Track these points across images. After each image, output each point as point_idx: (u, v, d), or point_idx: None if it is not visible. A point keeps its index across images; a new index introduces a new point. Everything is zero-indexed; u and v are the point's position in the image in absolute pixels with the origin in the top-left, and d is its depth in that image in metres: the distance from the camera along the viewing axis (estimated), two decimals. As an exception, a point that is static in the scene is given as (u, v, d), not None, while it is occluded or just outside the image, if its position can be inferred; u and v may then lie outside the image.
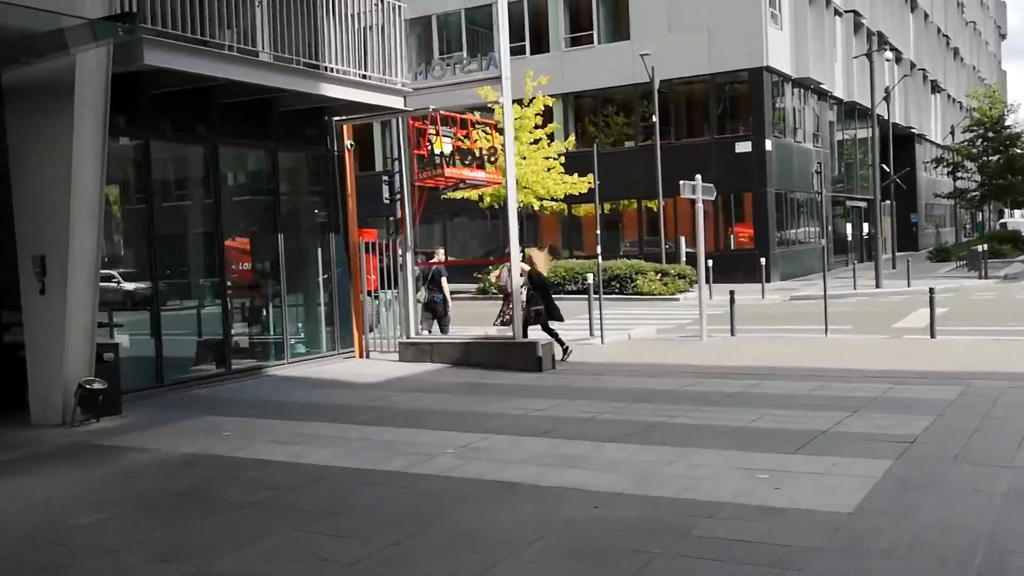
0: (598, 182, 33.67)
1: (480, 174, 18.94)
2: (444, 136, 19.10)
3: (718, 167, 34.60)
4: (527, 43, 38.53)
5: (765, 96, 34.22)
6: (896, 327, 18.27)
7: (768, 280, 33.20)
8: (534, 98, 32.30)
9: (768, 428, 8.48)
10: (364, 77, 13.77)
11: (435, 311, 16.27)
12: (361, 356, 15.16)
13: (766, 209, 34.38)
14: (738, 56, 34.09)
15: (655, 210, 34.70)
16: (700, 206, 17.02)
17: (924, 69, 57.22)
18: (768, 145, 34.10)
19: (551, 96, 34.53)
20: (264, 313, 14.20)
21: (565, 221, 38.58)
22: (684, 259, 32.61)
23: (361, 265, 15.20)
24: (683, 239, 33.45)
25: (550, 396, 10.84)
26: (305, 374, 13.30)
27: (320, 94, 13.02)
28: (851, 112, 45.43)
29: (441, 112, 18.31)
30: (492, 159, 16.41)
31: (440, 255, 17.44)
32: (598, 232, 17.61)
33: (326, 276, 14.81)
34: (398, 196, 19.28)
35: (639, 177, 35.06)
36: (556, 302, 15.43)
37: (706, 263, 29.90)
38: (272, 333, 14.01)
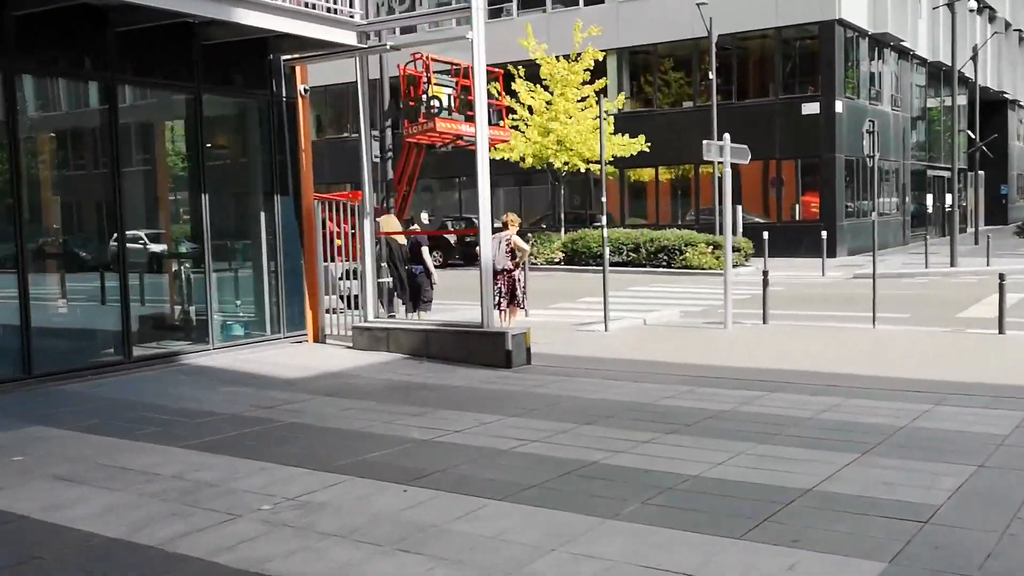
0: (649, 144, 31.16)
1: (482, 130, 16.62)
2: (441, 85, 16.81)
3: (783, 130, 31.60)
4: (580, -8, 35.72)
5: (836, 52, 30.91)
6: (961, 317, 15.37)
7: (833, 255, 30.21)
8: (580, 53, 29.61)
9: (732, 481, 6.00)
10: (309, 6, 11.46)
11: (414, 287, 13.98)
12: (316, 340, 12.99)
13: (834, 177, 31.19)
14: (808, 7, 30.84)
15: (714, 176, 31.80)
16: (728, 170, 14.35)
17: (1020, 29, 52.54)
18: (839, 107, 30.85)
19: (605, 51, 31.79)
20: (185, 289, 12.11)
21: (617, 186, 35.86)
22: (741, 230, 29.72)
23: (317, 233, 12.98)
24: (740, 208, 30.50)
25: (491, 408, 8.49)
26: (226, 364, 11.16)
27: (242, 23, 10.75)
28: (937, 75, 41.55)
29: (432, 57, 16.01)
30: (504, 116, 13.96)
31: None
32: (603, 199, 15.02)
33: (270, 245, 12.63)
34: (389, 155, 17.07)
35: (698, 140, 31.99)
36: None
37: (764, 235, 27.36)
38: (195, 313, 11.91)
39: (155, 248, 11.96)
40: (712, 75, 29.68)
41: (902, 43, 35.66)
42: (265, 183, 12.64)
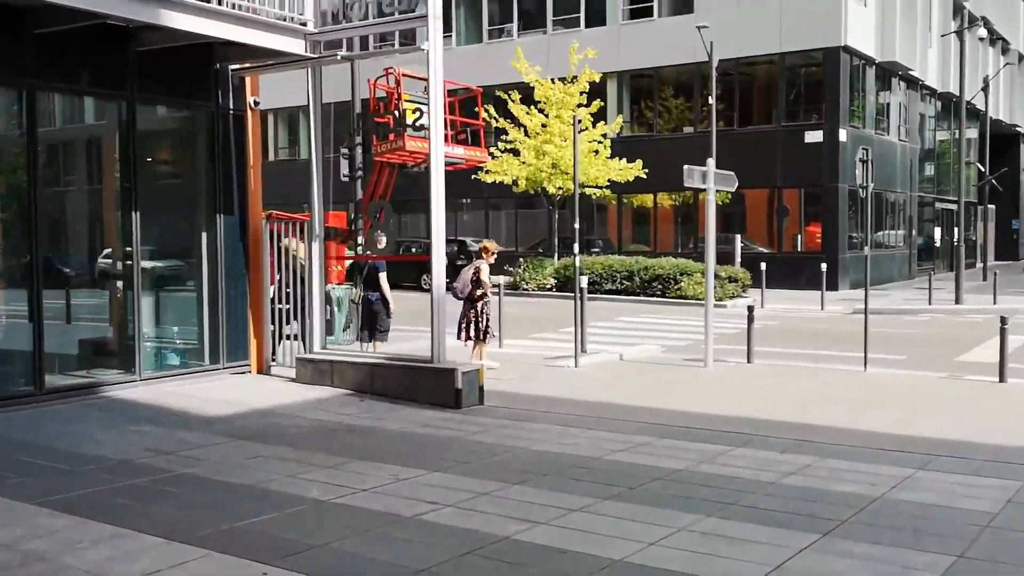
0: (645, 170, 30.21)
1: (458, 150, 15.70)
2: (416, 102, 15.92)
3: (785, 158, 30.67)
4: (582, 14, 34.93)
5: (841, 80, 29.97)
6: (961, 361, 14.32)
7: (835, 288, 29.18)
8: (576, 76, 28.73)
9: (659, 571, 5.00)
10: (250, 11, 10.59)
11: (369, 315, 13.00)
12: (260, 371, 12.04)
13: (836, 207, 30.21)
14: (812, 34, 29.94)
15: (716, 204, 30.87)
16: (711, 198, 13.39)
17: (1035, 60, 51.62)
18: (843, 135, 29.88)
19: (605, 74, 30.97)
20: (111, 314, 11.18)
21: (615, 212, 34.97)
22: (739, 260, 28.76)
23: (264, 254, 12.06)
24: (738, 238, 29.56)
25: (415, 460, 7.51)
26: (148, 398, 10.19)
27: (177, 28, 9.88)
28: (948, 105, 40.59)
29: (404, 72, 15.12)
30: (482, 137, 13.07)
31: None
32: (576, 226, 14.07)
33: (211, 267, 11.70)
34: (359, 174, 16.18)
35: (699, 166, 31.19)
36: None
37: (762, 266, 26.39)
38: (121, 340, 10.96)
39: (78, 268, 11.04)
40: (712, 100, 28.77)
41: (910, 72, 34.73)
42: (208, 200, 11.72)
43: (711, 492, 6.56)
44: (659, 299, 26.08)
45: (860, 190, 13.60)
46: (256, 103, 12.10)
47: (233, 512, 6.00)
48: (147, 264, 11.16)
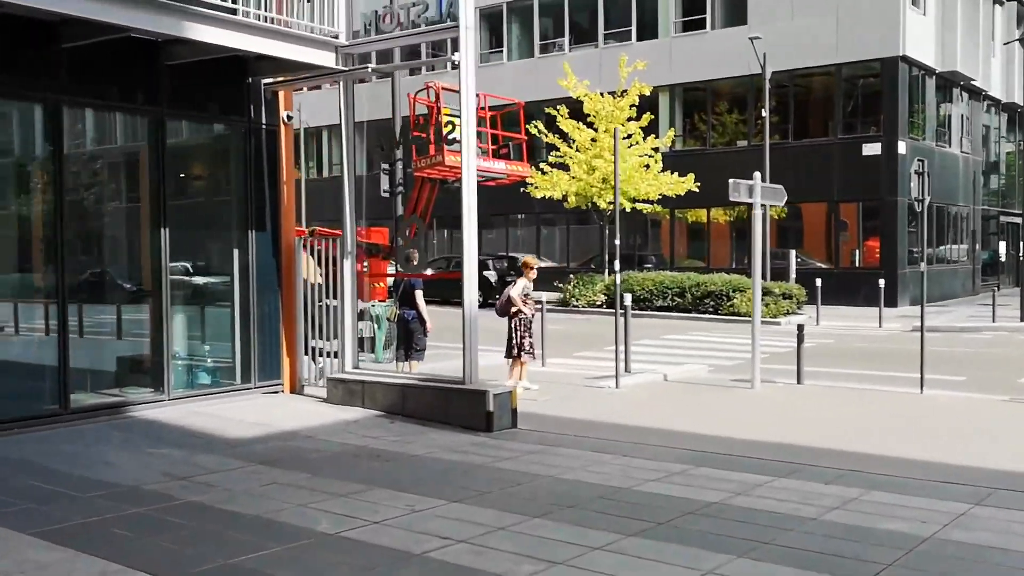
0: (698, 184, 29.62)
1: (499, 164, 15.48)
2: (457, 116, 15.69)
3: (842, 171, 29.87)
4: (633, 28, 34.53)
5: (900, 90, 29.14)
6: (1026, 384, 13.63)
7: (894, 304, 28.26)
8: (626, 90, 28.27)
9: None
10: (282, 23, 10.39)
11: (405, 334, 12.71)
12: (293, 390, 11.81)
13: (895, 221, 29.31)
14: (870, 43, 29.15)
15: (772, 218, 30.29)
16: (758, 212, 12.88)
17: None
18: (901, 147, 29.01)
19: (657, 87, 30.51)
20: (142, 331, 11.01)
21: (668, 227, 34.43)
22: (794, 276, 28.03)
23: (297, 270, 11.84)
24: (792, 253, 28.83)
25: (435, 490, 7.14)
26: (174, 418, 9.99)
27: (206, 41, 9.72)
28: (1013, 117, 39.38)
29: (444, 86, 14.92)
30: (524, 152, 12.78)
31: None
32: (616, 242, 13.65)
33: (243, 285, 11.51)
34: (399, 189, 15.96)
35: (744, 180, 30.52)
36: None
37: (817, 283, 25.61)
38: (152, 359, 10.78)
39: (107, 285, 10.90)
40: (765, 112, 28.14)
41: (973, 82, 33.69)
42: (239, 217, 11.54)
43: (745, 529, 6.09)
44: (711, 316, 25.47)
45: (915, 203, 12.97)
46: (289, 118, 11.90)
47: (232, 546, 5.69)
48: (178, 281, 11.02)
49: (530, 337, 12.36)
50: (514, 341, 12.25)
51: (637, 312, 27.22)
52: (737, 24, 31.76)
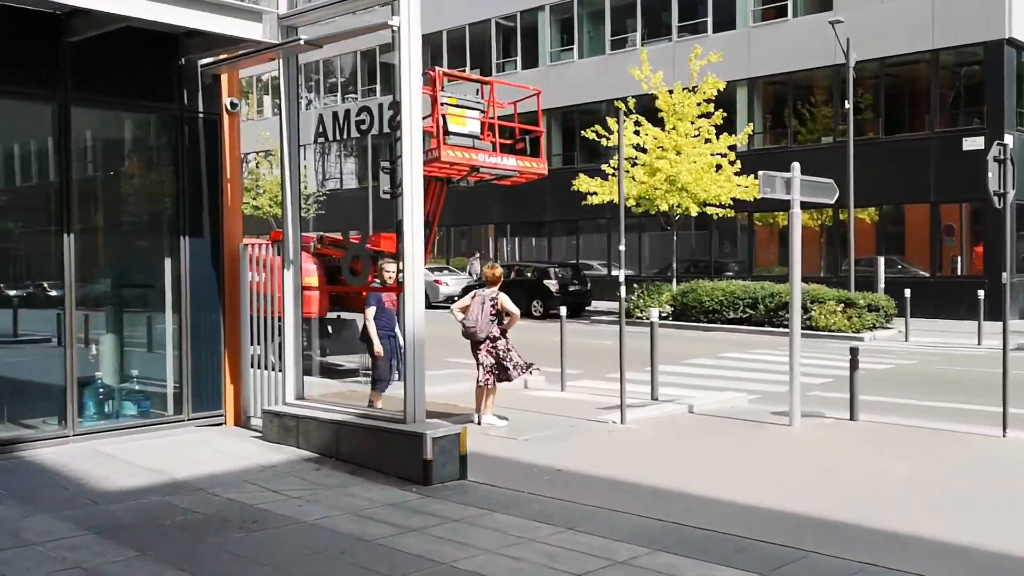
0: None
1: (508, 160, 13.49)
2: (465, 107, 13.81)
3: (940, 169, 26.94)
4: (709, 19, 32.15)
5: (1006, 77, 26.07)
6: None
7: (1001, 318, 25.09)
8: (697, 85, 25.89)
9: None
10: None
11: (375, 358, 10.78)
12: (237, 423, 10.08)
13: (1001, 223, 26.12)
14: (971, 26, 26.17)
15: (862, 220, 27.62)
16: (796, 211, 10.59)
17: None
18: (1008, 141, 25.82)
19: (734, 81, 28.18)
20: (49, 354, 9.38)
21: (743, 232, 31.90)
22: (882, 285, 25.22)
23: (243, 283, 10.10)
24: (881, 260, 25.99)
25: None
26: (64, 461, 8.28)
27: (105, 11, 8.06)
28: None
29: (445, 72, 13.06)
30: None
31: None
32: (621, 248, 11.46)
33: (175, 299, 9.83)
34: (399, 190, 14.11)
35: (839, 180, 27.71)
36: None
37: (906, 293, 22.79)
38: (57, 388, 9.13)
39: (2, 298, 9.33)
40: (849, 105, 25.39)
41: (1092, 68, 30.17)
42: (171, 220, 9.86)
43: None
44: (785, 330, 22.81)
45: (995, 198, 10.50)
46: (234, 105, 10.18)
47: None
48: (91, 295, 9.41)
49: (494, 359, 10.37)
50: (507, 363, 10.32)
51: (702, 325, 24.97)
52: (821, 10, 29.07)
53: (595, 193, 26.55)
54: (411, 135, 8.19)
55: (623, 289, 10.96)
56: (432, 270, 34.72)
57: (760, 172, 10.38)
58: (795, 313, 10.69)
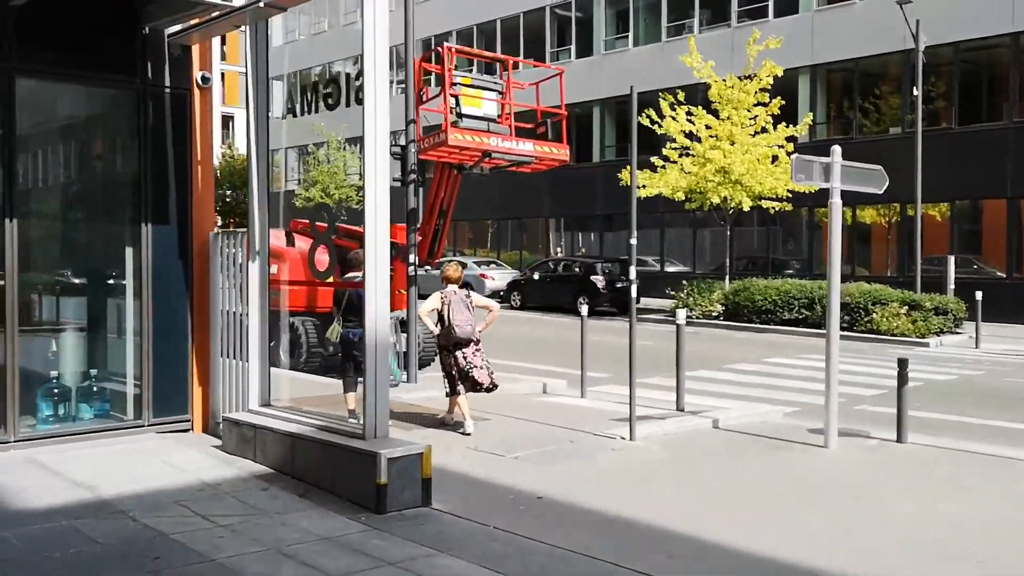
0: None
1: (524, 145, 12.38)
2: (480, 88, 12.73)
3: (1018, 161, 25.04)
4: (770, 3, 30.56)
5: (1094, 62, 24.12)
6: None
7: (1085, 325, 23.27)
8: (754, 73, 24.38)
9: None
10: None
11: (354, 358, 9.72)
12: (205, 429, 9.14)
13: (1084, 221, 24.28)
14: (1054, 7, 24.27)
15: (932, 217, 25.90)
16: (836, 201, 9.25)
17: None
18: (1094, 131, 23.98)
19: (796, 68, 26.65)
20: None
21: (802, 228, 30.27)
22: (951, 287, 23.53)
23: (214, 275, 9.15)
24: (951, 259, 24.26)
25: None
26: (-14, 471, 7.47)
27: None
28: None
29: (458, 49, 12.00)
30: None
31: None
32: (633, 241, 10.19)
33: (136, 292, 8.91)
34: (412, 177, 13.12)
35: (909, 173, 26.00)
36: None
37: (977, 295, 21.05)
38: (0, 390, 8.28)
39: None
40: (917, 92, 23.69)
41: None
42: (132, 207, 8.94)
43: None
44: (844, 333, 21.10)
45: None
46: (206, 79, 9.22)
47: None
48: (37, 285, 8.55)
49: (457, 366, 9.42)
50: (475, 370, 9.34)
51: (754, 327, 23.51)
52: (891, -7, 27.29)
53: (643, 186, 25.24)
54: (375, 108, 7.09)
55: (634, 288, 9.74)
56: (479, 264, 33.73)
57: (794, 156, 9.08)
58: (832, 315, 9.38)
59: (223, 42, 53.84)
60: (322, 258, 8.21)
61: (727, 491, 7.64)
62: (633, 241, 9.93)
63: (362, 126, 7.09)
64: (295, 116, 8.12)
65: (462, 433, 9.39)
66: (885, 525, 6.69)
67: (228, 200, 46.88)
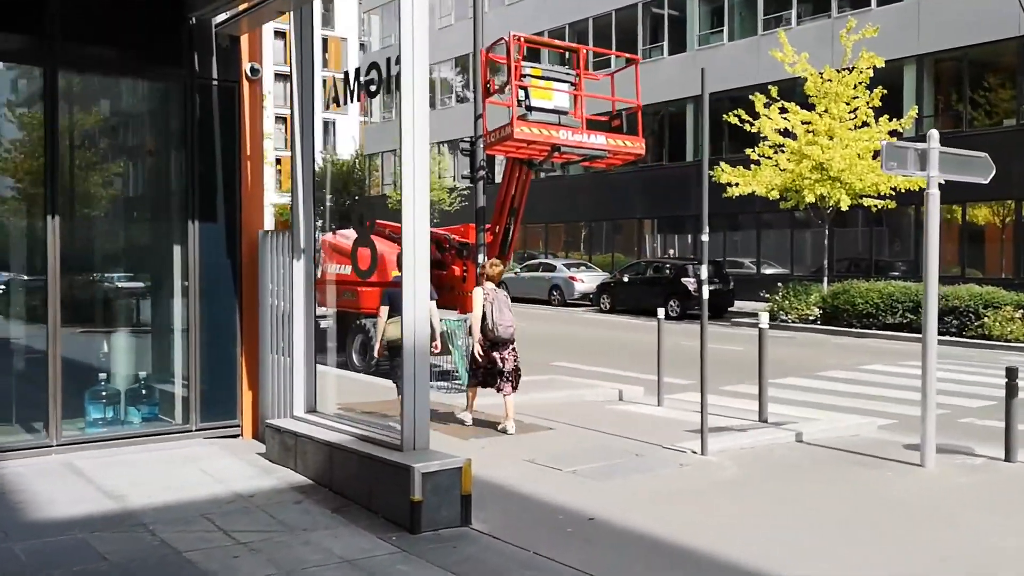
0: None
1: (596, 138, 11.76)
2: (551, 79, 12.17)
3: None
4: (872, -13, 29.11)
5: None
6: None
7: None
8: (852, 65, 23.13)
9: None
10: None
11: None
12: (255, 435, 8.78)
13: None
14: None
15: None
16: (934, 192, 8.36)
17: None
18: None
19: (901, 59, 25.25)
20: (15, 358, 8.32)
21: (908, 227, 28.76)
22: (1072, 289, 21.92)
23: (263, 276, 8.79)
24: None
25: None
26: (22, 480, 7.17)
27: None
28: None
29: (527, 39, 11.49)
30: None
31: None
32: (704, 239, 9.38)
33: (184, 291, 8.61)
34: (480, 173, 12.60)
35: (1021, 169, 24.39)
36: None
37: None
38: (38, 393, 8.04)
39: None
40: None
41: None
42: (179, 204, 8.65)
43: None
44: (952, 339, 19.94)
45: None
46: (255, 71, 8.87)
47: None
48: (79, 286, 8.31)
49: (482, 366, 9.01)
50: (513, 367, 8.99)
51: (854, 331, 22.28)
52: (1006, -24, 25.66)
53: (736, 184, 24.23)
54: (412, 97, 6.57)
55: (705, 289, 9.06)
56: (568, 266, 33.09)
57: (884, 142, 8.22)
58: (930, 317, 8.48)
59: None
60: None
61: (800, 516, 6.87)
62: (704, 238, 9.17)
63: (398, 122, 6.58)
64: (338, 105, 7.65)
65: (501, 431, 9.23)
66: (983, 563, 5.85)
67: (331, 203, 47.42)
